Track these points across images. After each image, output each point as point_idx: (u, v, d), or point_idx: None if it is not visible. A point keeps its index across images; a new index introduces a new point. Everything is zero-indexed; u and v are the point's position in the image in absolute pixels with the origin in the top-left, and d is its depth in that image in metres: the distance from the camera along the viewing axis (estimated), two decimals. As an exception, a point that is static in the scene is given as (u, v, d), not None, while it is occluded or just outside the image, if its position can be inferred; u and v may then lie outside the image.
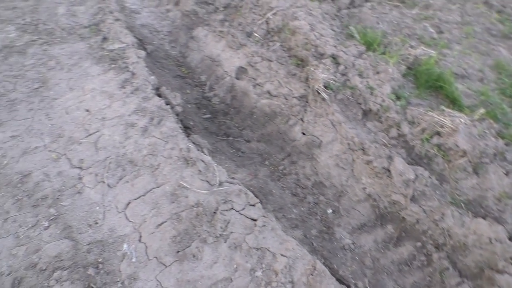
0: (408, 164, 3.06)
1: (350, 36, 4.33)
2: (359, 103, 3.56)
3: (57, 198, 2.72)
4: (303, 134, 3.56)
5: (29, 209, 2.67)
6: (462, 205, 2.93)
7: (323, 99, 3.49)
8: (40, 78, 3.82)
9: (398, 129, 3.34)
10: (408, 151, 3.27)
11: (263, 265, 2.44)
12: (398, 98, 3.55)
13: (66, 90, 3.63)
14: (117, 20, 4.59)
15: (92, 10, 5.08)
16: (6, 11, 5.18)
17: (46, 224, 2.59)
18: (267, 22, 4.43)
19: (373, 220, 3.07)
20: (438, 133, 3.22)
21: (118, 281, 2.36)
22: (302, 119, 3.62)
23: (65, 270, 2.37)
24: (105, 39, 4.33)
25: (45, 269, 2.37)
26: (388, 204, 3.06)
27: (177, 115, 3.33)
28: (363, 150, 3.19)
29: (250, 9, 4.68)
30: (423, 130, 3.28)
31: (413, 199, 2.94)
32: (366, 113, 3.55)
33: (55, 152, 3.04)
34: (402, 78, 3.80)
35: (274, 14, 4.40)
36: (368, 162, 3.15)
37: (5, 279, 2.32)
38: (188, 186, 2.70)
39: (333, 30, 4.34)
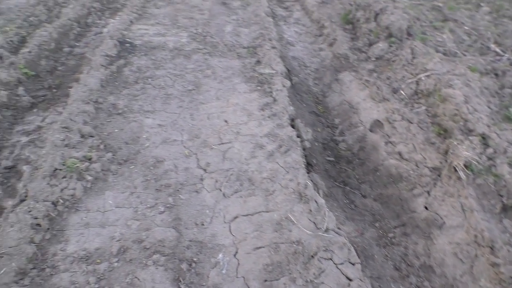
0: (546, 283, 2.58)
1: (508, 119, 3.89)
2: (501, 195, 3.14)
3: (178, 190, 2.97)
4: (426, 208, 3.28)
5: (152, 191, 2.96)
6: None
7: (459, 178, 3.18)
8: (195, 82, 4.29)
9: (543, 239, 2.85)
10: (550, 268, 2.76)
11: (345, 330, 2.28)
12: (553, 204, 3.04)
13: (213, 98, 4.01)
14: (273, 48, 4.91)
15: (254, 34, 5.54)
16: (185, 19, 5.98)
17: (162, 209, 2.83)
18: (417, 83, 4.26)
19: (481, 332, 2.65)
20: None
21: (204, 286, 2.43)
22: (428, 192, 3.35)
23: (163, 256, 2.54)
24: (258, 62, 4.68)
25: (148, 248, 2.57)
26: (506, 319, 2.61)
27: (304, 149, 3.39)
28: (492, 248, 2.79)
29: (403, 66, 4.57)
30: None
31: (542, 326, 2.46)
32: (506, 209, 3.11)
33: (189, 149, 3.34)
34: None
35: (427, 76, 4.21)
36: (494, 265, 2.73)
37: (114, 244, 2.58)
38: (295, 222, 2.70)
39: (489, 107, 3.97)
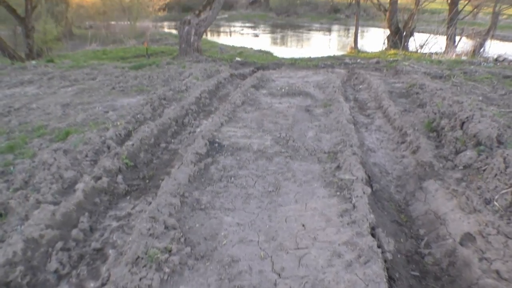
0: None
1: None
2: None
3: (249, 294, 2.89)
4: None
5: (225, 292, 2.92)
6: None
7: None
8: (275, 184, 4.42)
9: None
10: None
11: None
12: None
13: (292, 201, 4.05)
14: (354, 154, 4.95)
15: (335, 140, 5.69)
16: (270, 124, 6.40)
17: (232, 312, 2.75)
18: (513, 194, 3.92)
19: None
20: None
21: None
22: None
23: None
24: (338, 167, 4.72)
25: None
26: None
27: (385, 261, 3.17)
28: None
29: (495, 176, 4.28)
30: None
31: None
32: None
33: (264, 251, 3.31)
34: None
35: (525, 188, 3.87)
36: None
37: None
38: None
39: None
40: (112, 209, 4.22)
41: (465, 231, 3.74)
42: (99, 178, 4.46)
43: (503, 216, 3.79)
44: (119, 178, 4.65)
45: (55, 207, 3.82)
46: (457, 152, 5.18)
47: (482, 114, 5.55)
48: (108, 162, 4.75)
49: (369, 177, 4.72)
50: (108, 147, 5.36)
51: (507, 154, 4.39)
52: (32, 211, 3.75)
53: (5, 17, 23.56)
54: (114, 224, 3.92)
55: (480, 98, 7.73)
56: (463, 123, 5.55)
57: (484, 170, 4.53)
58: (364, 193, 4.03)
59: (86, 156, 5.09)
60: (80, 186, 4.21)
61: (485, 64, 12.78)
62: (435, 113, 6.47)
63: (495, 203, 3.97)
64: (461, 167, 4.81)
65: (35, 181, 4.39)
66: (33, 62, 14.62)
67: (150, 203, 4.07)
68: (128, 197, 4.45)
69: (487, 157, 4.71)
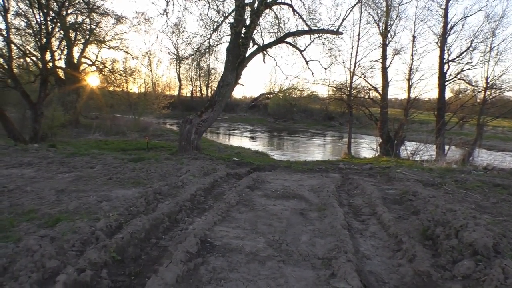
0: None
1: None
2: None
3: None
4: None
5: None
6: None
7: None
8: (267, 290, 4.24)
9: None
10: None
11: None
12: None
13: (284, 311, 3.84)
14: (349, 261, 4.84)
15: (329, 246, 5.60)
16: (263, 226, 6.36)
17: None
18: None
19: None
20: None
21: None
22: None
23: None
24: (333, 275, 4.58)
25: None
26: None
27: None
28: None
29: (495, 287, 4.14)
30: None
31: None
32: None
33: None
34: None
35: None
36: None
37: None
38: None
39: None
40: (92, 307, 3.97)
41: None
42: (83, 270, 4.26)
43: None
44: (104, 272, 4.45)
45: (31, 299, 3.60)
46: (454, 262, 5.08)
47: (476, 223, 5.56)
48: (94, 255, 4.59)
49: (365, 286, 4.53)
50: (97, 238, 5.22)
51: (505, 264, 4.33)
52: (6, 303, 3.53)
53: (17, 101, 24.83)
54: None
55: (473, 206, 7.81)
56: (457, 231, 5.54)
57: (483, 281, 4.41)
58: (361, 305, 3.85)
59: (73, 245, 4.93)
60: (61, 278, 4.01)
61: (475, 172, 13.17)
62: (429, 221, 6.47)
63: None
64: (459, 278, 4.67)
65: (15, 268, 4.18)
66: (36, 145, 14.94)
67: (133, 303, 3.84)
68: (110, 294, 4.21)
69: (485, 267, 4.61)
